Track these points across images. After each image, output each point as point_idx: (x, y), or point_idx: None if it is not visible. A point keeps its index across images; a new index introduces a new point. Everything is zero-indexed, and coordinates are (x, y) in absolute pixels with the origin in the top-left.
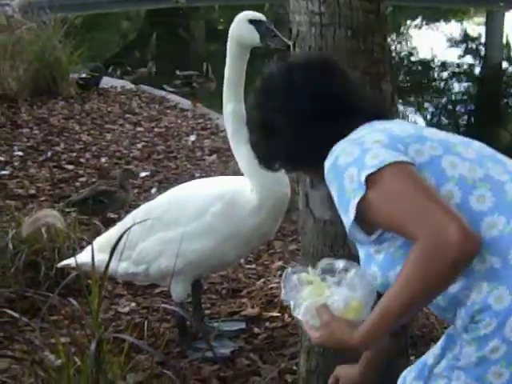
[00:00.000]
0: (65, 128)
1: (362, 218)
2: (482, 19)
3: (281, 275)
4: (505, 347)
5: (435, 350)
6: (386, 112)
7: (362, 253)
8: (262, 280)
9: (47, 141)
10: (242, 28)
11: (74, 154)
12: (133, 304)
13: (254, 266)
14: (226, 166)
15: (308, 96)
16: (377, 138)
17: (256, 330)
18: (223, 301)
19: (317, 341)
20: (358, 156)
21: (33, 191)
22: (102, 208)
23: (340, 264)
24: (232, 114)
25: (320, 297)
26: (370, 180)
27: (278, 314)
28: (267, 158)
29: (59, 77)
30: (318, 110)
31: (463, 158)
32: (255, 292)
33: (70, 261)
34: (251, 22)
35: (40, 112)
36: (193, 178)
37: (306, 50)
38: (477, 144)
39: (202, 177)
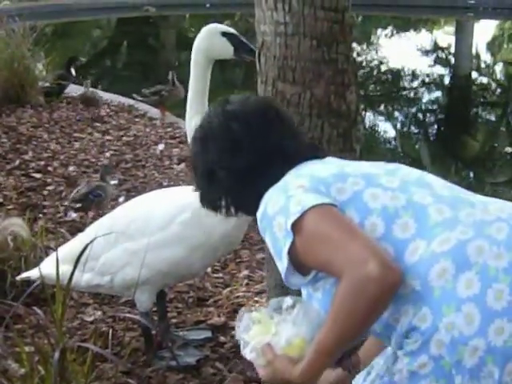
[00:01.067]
0: (33, 136)
1: (295, 262)
2: (452, 29)
3: (247, 284)
4: (432, 363)
5: (376, 365)
6: (320, 152)
7: (303, 292)
8: (229, 289)
9: (15, 149)
10: (213, 40)
11: (42, 163)
12: (99, 313)
13: (220, 274)
14: None
15: (246, 149)
16: (300, 183)
17: (222, 338)
18: (189, 310)
19: (264, 377)
20: (283, 204)
21: (0, 199)
22: (100, 201)
23: (289, 301)
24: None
25: (266, 335)
26: (296, 226)
27: None
28: (209, 203)
29: (28, 85)
30: (256, 162)
31: (385, 188)
32: (222, 301)
33: (32, 273)
34: (224, 34)
35: (8, 120)
36: (161, 186)
37: (270, 60)
38: (404, 171)
39: (170, 186)
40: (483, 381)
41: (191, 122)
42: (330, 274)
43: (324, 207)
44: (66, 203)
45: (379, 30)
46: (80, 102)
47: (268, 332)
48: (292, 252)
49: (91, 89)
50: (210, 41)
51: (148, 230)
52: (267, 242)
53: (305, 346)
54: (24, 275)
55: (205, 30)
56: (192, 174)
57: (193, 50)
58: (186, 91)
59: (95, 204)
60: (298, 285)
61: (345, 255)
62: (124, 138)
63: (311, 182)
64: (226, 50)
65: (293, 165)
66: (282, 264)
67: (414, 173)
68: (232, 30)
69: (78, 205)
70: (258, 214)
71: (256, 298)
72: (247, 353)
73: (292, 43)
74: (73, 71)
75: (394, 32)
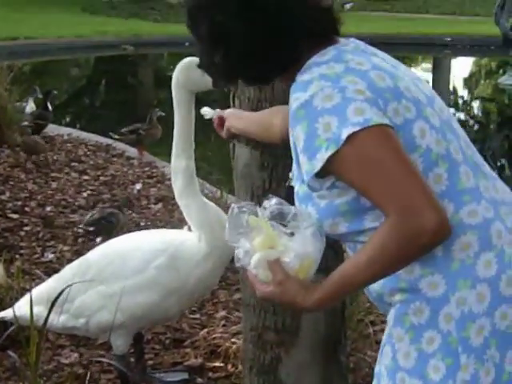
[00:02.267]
0: (10, 176)
1: (324, 167)
2: (429, 66)
3: (224, 325)
4: (440, 339)
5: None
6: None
7: (299, 188)
8: (206, 330)
9: None
10: (190, 73)
11: (19, 203)
12: (75, 355)
13: (197, 315)
14: (172, 214)
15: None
16: (359, 87)
17: (199, 380)
18: (166, 351)
19: (265, 295)
20: (338, 104)
21: None
22: (111, 228)
23: (290, 210)
24: (182, 172)
25: (273, 249)
26: (351, 138)
27: (222, 365)
28: (207, 65)
29: (5, 124)
30: (286, 20)
31: (431, 126)
32: (198, 342)
33: (6, 313)
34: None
35: None
36: (138, 226)
37: (245, 102)
38: (438, 102)
39: (148, 226)
40: (486, 364)
41: (177, 162)
42: (371, 201)
43: (386, 129)
44: (80, 226)
45: None
46: (22, 150)
47: (274, 245)
48: (328, 159)
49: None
50: (186, 74)
51: (123, 273)
52: (295, 130)
53: (312, 267)
54: None
55: (180, 64)
56: (195, 31)
57: (172, 86)
58: (167, 129)
59: (105, 229)
60: (313, 189)
61: (401, 194)
62: (101, 178)
63: (371, 91)
64: (204, 81)
65: (321, 43)
66: (311, 165)
67: (445, 109)
68: None
69: (91, 228)
70: (298, 100)
71: (233, 340)
72: (252, 265)
73: (266, 85)
74: (49, 105)
75: None
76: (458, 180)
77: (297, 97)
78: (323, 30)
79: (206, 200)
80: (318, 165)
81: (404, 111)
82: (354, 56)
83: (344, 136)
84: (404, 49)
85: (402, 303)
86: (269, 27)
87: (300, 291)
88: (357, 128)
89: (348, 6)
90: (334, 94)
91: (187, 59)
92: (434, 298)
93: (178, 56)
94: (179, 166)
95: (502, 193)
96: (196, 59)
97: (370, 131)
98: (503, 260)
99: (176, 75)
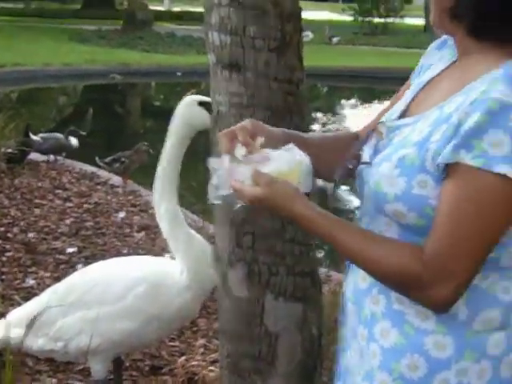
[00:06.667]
0: None
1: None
2: None
3: (203, 353)
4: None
5: None
6: None
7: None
8: (184, 357)
9: None
10: (192, 110)
11: (2, 229)
12: (53, 380)
13: (177, 343)
14: (154, 243)
15: None
16: None
17: None
18: (145, 378)
19: (255, 197)
20: None
21: None
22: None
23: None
24: (165, 215)
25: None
26: (496, 174)
27: None
28: None
29: None
30: None
31: None
32: (177, 370)
33: None
34: (201, 104)
35: None
36: (120, 254)
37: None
38: None
39: (130, 254)
40: None
41: (160, 206)
42: (432, 228)
43: None
44: None
45: (343, 101)
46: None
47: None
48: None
49: None
50: (189, 112)
51: (104, 299)
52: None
53: (303, 174)
54: None
55: (182, 103)
56: None
57: (173, 124)
58: (152, 158)
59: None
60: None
61: (450, 254)
62: (85, 206)
63: None
64: (206, 119)
65: None
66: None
67: None
68: (207, 99)
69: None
70: (504, 93)
71: (211, 367)
72: (236, 175)
73: (246, 114)
74: (32, 137)
75: (359, 103)
76: None
77: (506, 91)
78: None
79: (193, 231)
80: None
81: None
82: None
83: (497, 170)
84: (389, 82)
85: (396, 347)
86: None
87: (289, 193)
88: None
89: (335, 39)
90: None
91: (190, 97)
92: (436, 359)
93: (165, 86)
94: (162, 211)
95: None
96: (195, 97)
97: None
98: (510, 342)
99: (180, 112)
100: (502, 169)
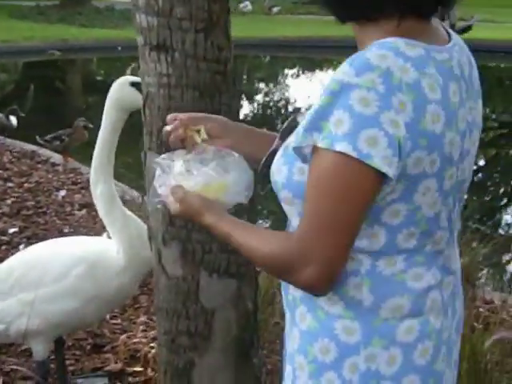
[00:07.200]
0: None
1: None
2: None
3: (145, 330)
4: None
5: None
6: None
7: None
8: (126, 335)
9: None
10: (124, 91)
11: None
12: None
13: (119, 320)
14: (95, 221)
15: None
16: (399, 118)
17: None
18: (87, 356)
19: (175, 213)
20: (365, 118)
21: None
22: None
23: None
24: (101, 196)
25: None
26: (341, 153)
27: (141, 369)
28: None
29: None
30: None
31: (439, 187)
32: (119, 347)
33: None
34: (133, 84)
35: None
36: (62, 233)
37: (155, 111)
38: (470, 157)
39: (71, 232)
40: None
41: (96, 188)
42: (303, 211)
43: (375, 177)
44: None
45: (286, 70)
46: None
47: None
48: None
49: None
50: (120, 92)
51: (43, 281)
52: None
53: (223, 190)
54: None
55: (114, 84)
56: None
57: (106, 106)
58: (93, 135)
59: None
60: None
61: (316, 232)
62: (26, 185)
63: (408, 133)
64: (137, 100)
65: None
66: (302, 137)
67: (471, 165)
68: (139, 80)
69: None
70: (345, 73)
71: (152, 344)
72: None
73: (175, 94)
74: None
75: (301, 72)
76: (426, 244)
77: (347, 72)
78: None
79: (129, 212)
80: (304, 142)
81: (426, 165)
82: (432, 72)
83: (338, 148)
84: (329, 51)
85: (310, 331)
86: None
87: (203, 205)
88: (352, 154)
89: (275, 9)
90: (371, 106)
91: (123, 78)
92: (345, 344)
93: (107, 60)
94: (98, 193)
95: (454, 262)
96: (129, 77)
97: (361, 167)
98: (425, 330)
99: (112, 94)
100: (341, 147)
